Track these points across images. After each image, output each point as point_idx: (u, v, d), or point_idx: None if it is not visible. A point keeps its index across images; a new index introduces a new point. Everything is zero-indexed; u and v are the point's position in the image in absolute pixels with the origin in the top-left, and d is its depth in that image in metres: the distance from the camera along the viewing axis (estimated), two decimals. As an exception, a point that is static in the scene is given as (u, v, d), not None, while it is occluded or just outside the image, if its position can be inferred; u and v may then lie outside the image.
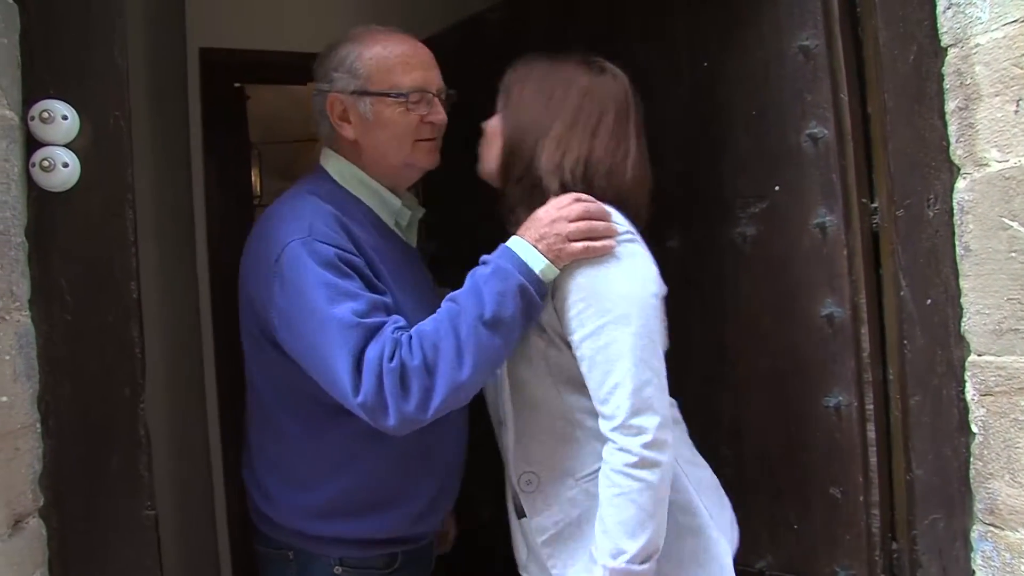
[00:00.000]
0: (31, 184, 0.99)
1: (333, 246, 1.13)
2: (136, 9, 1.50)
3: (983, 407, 1.13)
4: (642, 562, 1.00)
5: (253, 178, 3.64)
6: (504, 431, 1.16)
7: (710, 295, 1.40)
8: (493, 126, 1.21)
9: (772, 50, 1.31)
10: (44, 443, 0.99)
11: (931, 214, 1.17)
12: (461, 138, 2.06)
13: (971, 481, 1.16)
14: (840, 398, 1.24)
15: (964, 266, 1.15)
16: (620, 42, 1.43)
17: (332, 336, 1.07)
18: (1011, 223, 1.08)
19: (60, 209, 1.00)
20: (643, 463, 1.00)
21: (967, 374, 1.16)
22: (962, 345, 1.17)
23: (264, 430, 1.30)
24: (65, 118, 0.99)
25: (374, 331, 1.08)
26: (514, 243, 1.11)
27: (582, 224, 1.07)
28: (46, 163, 0.99)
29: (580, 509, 1.09)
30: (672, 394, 1.10)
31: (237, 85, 2.67)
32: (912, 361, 1.17)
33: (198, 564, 2.31)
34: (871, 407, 1.21)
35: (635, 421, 1.01)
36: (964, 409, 1.16)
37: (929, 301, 1.17)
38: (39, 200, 1.00)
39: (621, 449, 1.01)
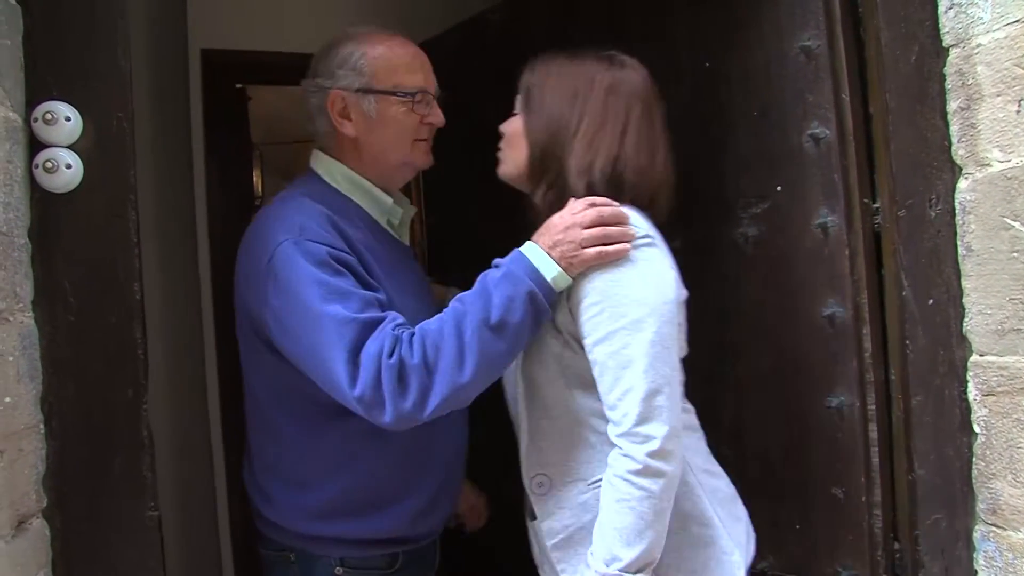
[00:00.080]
0: (34, 185, 1.00)
1: (325, 245, 1.14)
2: (138, 10, 1.50)
3: (985, 407, 1.13)
4: (636, 572, 0.99)
5: (254, 178, 3.65)
6: (518, 432, 1.15)
7: (712, 295, 1.40)
8: (514, 128, 1.18)
9: (773, 50, 1.31)
10: (47, 444, 0.99)
11: (933, 214, 1.17)
12: (460, 139, 2.07)
13: (973, 481, 1.16)
14: (842, 398, 1.24)
15: (966, 266, 1.15)
16: (621, 43, 1.43)
17: (327, 333, 1.07)
18: (1013, 223, 1.08)
19: (63, 210, 1.01)
20: (647, 471, 0.98)
21: (969, 374, 1.16)
22: (964, 345, 1.17)
23: (262, 432, 1.30)
24: (68, 119, 0.99)
25: (370, 326, 1.08)
26: (528, 249, 1.10)
27: (596, 230, 1.05)
28: (49, 164, 0.99)
29: (591, 514, 1.07)
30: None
31: (238, 86, 2.68)
32: (914, 361, 1.17)
33: (200, 565, 2.31)
34: (873, 407, 1.22)
35: (642, 429, 0.99)
36: (966, 409, 1.16)
37: (931, 301, 1.17)
38: (42, 201, 1.00)
39: (626, 455, 1.00)
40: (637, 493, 0.98)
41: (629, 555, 0.98)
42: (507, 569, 1.91)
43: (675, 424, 1.01)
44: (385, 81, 1.28)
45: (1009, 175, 1.08)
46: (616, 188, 1.10)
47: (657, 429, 0.99)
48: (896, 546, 1.22)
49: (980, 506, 1.15)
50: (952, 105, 1.16)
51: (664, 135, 1.15)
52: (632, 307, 1.02)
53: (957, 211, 1.16)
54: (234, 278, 1.26)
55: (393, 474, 1.24)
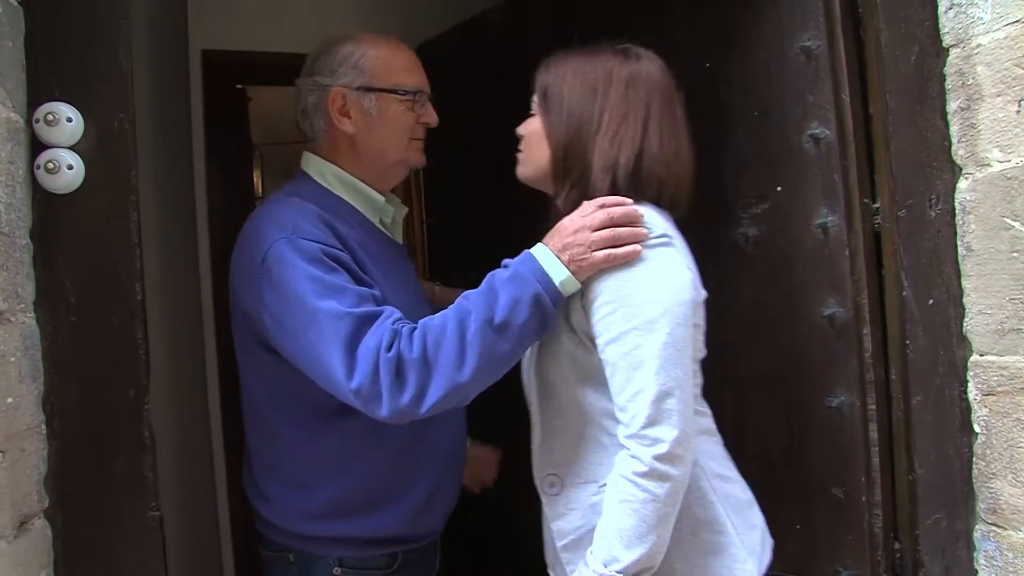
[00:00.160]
0: (36, 186, 1.00)
1: (318, 242, 1.14)
2: (139, 11, 1.50)
3: (985, 407, 1.14)
4: (633, 575, 0.98)
5: (255, 179, 3.65)
6: (532, 431, 1.14)
7: (712, 295, 1.40)
8: (534, 128, 1.15)
9: (774, 51, 1.31)
10: (49, 444, 0.99)
11: (933, 214, 1.17)
12: (460, 139, 2.07)
13: (974, 481, 1.16)
14: (842, 398, 1.24)
15: (966, 266, 1.15)
16: (621, 43, 1.43)
17: (323, 328, 1.07)
18: (1013, 223, 1.08)
19: (65, 211, 1.01)
20: (653, 474, 0.97)
21: (969, 374, 1.16)
22: (964, 345, 1.17)
23: (260, 433, 1.30)
24: (70, 120, 0.99)
25: (367, 320, 1.08)
26: (538, 251, 1.09)
27: (605, 232, 1.04)
28: (51, 165, 0.99)
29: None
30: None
31: (239, 86, 2.68)
32: (914, 361, 1.17)
33: (201, 565, 2.31)
34: (873, 407, 1.22)
35: (651, 431, 0.98)
36: (966, 409, 1.17)
37: (931, 301, 1.17)
38: (44, 202, 1.00)
39: (633, 457, 0.98)
40: (641, 495, 0.97)
41: (628, 557, 0.97)
42: (507, 569, 1.91)
43: (685, 428, 0.99)
44: (385, 80, 1.29)
45: (1009, 175, 1.08)
46: (641, 183, 1.08)
47: (666, 432, 0.97)
48: (896, 546, 1.22)
49: (980, 506, 1.15)
50: (952, 105, 1.16)
51: (685, 126, 1.13)
52: (645, 307, 1.00)
53: (957, 211, 1.16)
54: (229, 280, 1.26)
55: (391, 472, 1.24)
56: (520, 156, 1.19)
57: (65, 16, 1.01)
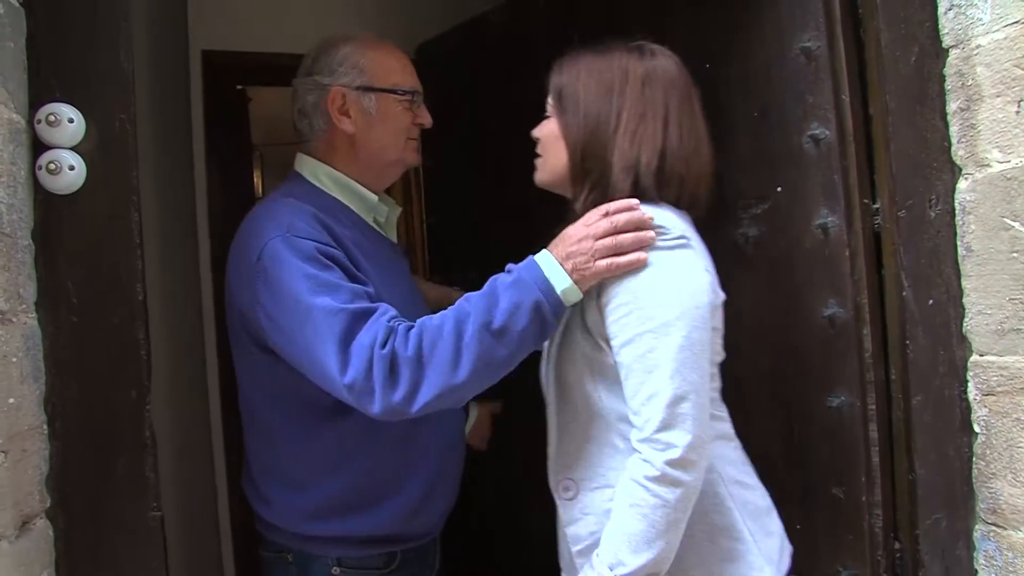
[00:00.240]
0: (37, 187, 1.00)
1: (313, 240, 1.15)
2: (139, 12, 1.50)
3: (985, 407, 1.14)
4: None
5: (255, 179, 3.66)
6: (548, 434, 1.13)
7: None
8: (549, 131, 1.13)
9: (774, 51, 1.31)
10: (51, 445, 0.99)
11: (933, 215, 1.17)
12: (460, 139, 2.07)
13: (973, 481, 1.16)
14: (842, 398, 1.24)
15: (966, 266, 1.16)
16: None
17: (317, 324, 1.08)
18: (1013, 223, 1.08)
19: (66, 211, 1.01)
20: (664, 479, 0.95)
21: (969, 374, 1.16)
22: (964, 345, 1.17)
23: (257, 435, 1.31)
24: (71, 121, 1.00)
25: (361, 316, 1.08)
26: (542, 258, 1.08)
27: (608, 241, 1.03)
28: (52, 166, 0.99)
29: None
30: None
31: (239, 87, 2.68)
32: (914, 361, 1.17)
33: (201, 565, 2.31)
34: (873, 407, 1.22)
35: (664, 436, 0.96)
36: (966, 409, 1.17)
37: (931, 301, 1.17)
38: (45, 203, 1.00)
39: (645, 460, 0.96)
40: (651, 500, 0.95)
41: (634, 563, 0.95)
42: (507, 569, 1.91)
43: (700, 434, 0.97)
44: (384, 80, 1.31)
45: (1009, 175, 1.08)
46: (663, 182, 1.06)
47: (679, 437, 0.95)
48: (896, 546, 1.22)
49: (980, 506, 1.15)
50: (952, 106, 1.16)
51: (704, 122, 1.11)
52: (661, 310, 0.99)
53: (957, 211, 1.16)
54: (225, 280, 1.27)
55: (387, 470, 1.25)
56: (537, 161, 1.16)
57: (66, 17, 1.01)
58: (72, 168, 1.00)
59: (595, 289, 1.06)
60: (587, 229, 1.05)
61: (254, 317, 1.18)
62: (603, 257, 1.03)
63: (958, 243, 1.16)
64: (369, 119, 1.30)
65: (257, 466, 1.31)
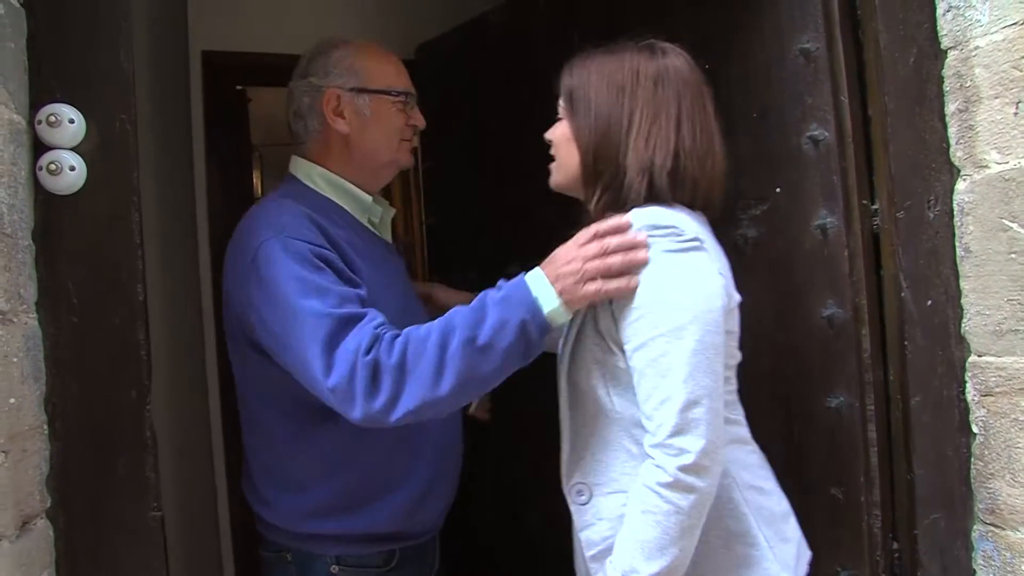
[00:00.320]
0: (38, 187, 1.00)
1: (306, 242, 1.16)
2: (139, 12, 1.51)
3: (983, 407, 1.14)
4: None
5: (254, 180, 3.65)
6: (561, 438, 1.12)
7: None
8: (561, 133, 1.12)
9: (773, 53, 1.32)
10: (51, 445, 0.99)
11: (931, 215, 1.18)
12: (460, 139, 2.07)
13: (972, 481, 1.16)
14: (841, 399, 1.24)
15: (964, 267, 1.16)
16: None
17: (305, 327, 1.09)
18: (1011, 224, 1.08)
19: (67, 212, 1.01)
20: (677, 485, 0.94)
21: (967, 375, 1.17)
22: (962, 346, 1.17)
23: (254, 436, 1.31)
24: (72, 122, 1.00)
25: (348, 321, 1.09)
26: (533, 277, 1.08)
27: (597, 263, 1.02)
28: (53, 166, 0.99)
29: None
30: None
31: (239, 87, 2.68)
32: (913, 362, 1.18)
33: (202, 565, 2.31)
34: (872, 408, 1.22)
35: (677, 441, 0.94)
36: (965, 409, 1.17)
37: (929, 302, 1.17)
38: (46, 203, 1.00)
39: (657, 466, 0.95)
40: (665, 507, 0.94)
41: (648, 570, 0.94)
42: (507, 569, 1.92)
43: (713, 439, 0.95)
44: (378, 82, 1.33)
45: (1007, 176, 1.08)
46: (677, 183, 1.05)
47: (692, 443, 0.94)
48: (895, 546, 1.22)
49: (978, 506, 1.16)
50: (950, 107, 1.17)
51: (717, 120, 1.10)
52: (673, 313, 0.97)
53: (955, 212, 1.17)
54: (222, 281, 1.28)
55: (384, 469, 1.25)
56: (552, 164, 1.16)
57: (67, 18, 1.01)
58: (73, 169, 1.00)
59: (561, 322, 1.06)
60: (577, 250, 1.05)
61: (246, 317, 1.19)
62: (592, 279, 1.02)
63: (956, 244, 1.17)
64: (363, 120, 1.32)
65: (256, 467, 1.32)
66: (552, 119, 1.16)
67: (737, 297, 1.08)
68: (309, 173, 1.34)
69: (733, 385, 1.10)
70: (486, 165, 1.98)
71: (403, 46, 2.08)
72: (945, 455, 1.17)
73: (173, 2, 2.33)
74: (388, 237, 1.44)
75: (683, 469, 0.94)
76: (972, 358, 1.16)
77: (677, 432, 0.95)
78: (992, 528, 1.13)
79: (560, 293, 1.05)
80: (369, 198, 1.36)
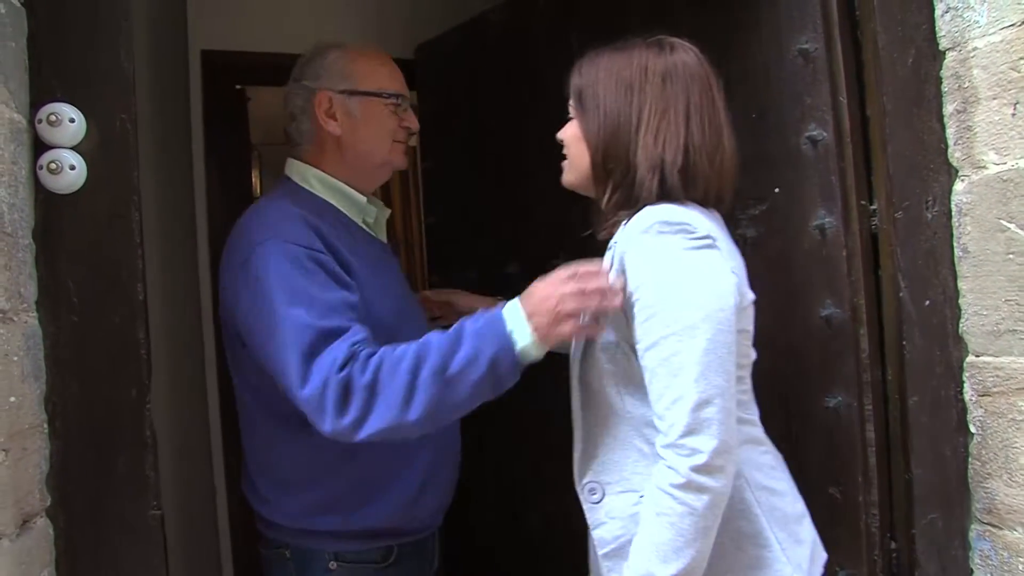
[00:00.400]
0: (38, 186, 1.00)
1: (301, 246, 1.17)
2: (139, 11, 1.51)
3: (981, 407, 1.14)
4: None
5: (254, 179, 3.65)
6: (573, 437, 1.11)
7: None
8: (572, 132, 1.12)
9: (771, 53, 1.32)
10: (51, 443, 1.00)
11: (929, 216, 1.18)
12: (460, 139, 2.07)
13: (969, 481, 1.17)
14: (839, 399, 1.24)
15: (962, 267, 1.16)
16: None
17: (287, 335, 1.10)
18: (1009, 225, 1.09)
19: (67, 211, 1.01)
20: (690, 486, 0.93)
21: (965, 375, 1.17)
22: (960, 346, 1.18)
23: (252, 435, 1.33)
24: (72, 121, 1.00)
25: (328, 335, 1.10)
26: (510, 310, 1.09)
27: (572, 305, 1.03)
28: (53, 165, 1.00)
29: None
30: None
31: (238, 87, 2.68)
32: (911, 362, 1.18)
33: (201, 564, 2.31)
34: (870, 407, 1.22)
35: (689, 441, 0.93)
36: (962, 409, 1.17)
37: (928, 302, 1.18)
38: (46, 202, 1.01)
39: (670, 467, 0.94)
40: (679, 508, 0.93)
41: (664, 572, 0.93)
42: (507, 569, 1.92)
43: (726, 438, 0.94)
44: (370, 83, 1.34)
45: (1005, 177, 1.09)
46: (689, 180, 1.05)
47: (705, 443, 0.93)
48: (893, 545, 1.22)
49: (976, 505, 1.16)
50: (948, 108, 1.17)
51: (727, 114, 1.10)
52: (684, 312, 0.96)
53: (953, 213, 1.17)
54: (218, 283, 1.29)
55: (383, 465, 1.26)
56: (564, 163, 1.16)
57: (67, 17, 1.02)
58: (73, 168, 1.00)
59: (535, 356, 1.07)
60: (553, 289, 1.06)
61: (235, 317, 1.21)
62: (565, 320, 1.04)
63: (954, 244, 1.17)
64: (354, 122, 1.33)
65: (254, 465, 1.32)
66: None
67: (751, 295, 1.07)
68: (304, 175, 1.36)
69: (747, 384, 1.09)
70: (486, 165, 1.98)
71: (403, 46, 2.08)
72: (943, 455, 1.17)
73: (173, 2, 2.33)
74: (383, 237, 1.45)
75: (696, 469, 0.93)
76: (970, 358, 1.16)
77: (689, 432, 0.94)
78: (989, 527, 1.14)
79: (534, 330, 1.06)
80: (364, 199, 1.37)
